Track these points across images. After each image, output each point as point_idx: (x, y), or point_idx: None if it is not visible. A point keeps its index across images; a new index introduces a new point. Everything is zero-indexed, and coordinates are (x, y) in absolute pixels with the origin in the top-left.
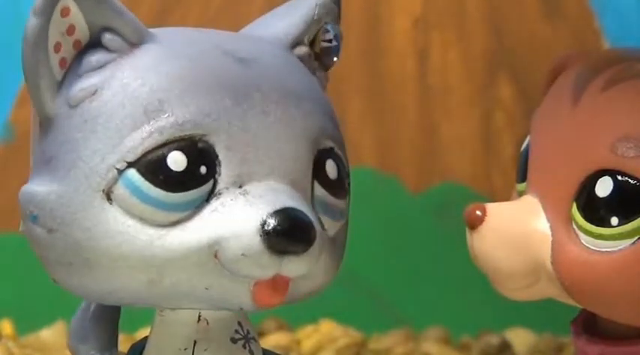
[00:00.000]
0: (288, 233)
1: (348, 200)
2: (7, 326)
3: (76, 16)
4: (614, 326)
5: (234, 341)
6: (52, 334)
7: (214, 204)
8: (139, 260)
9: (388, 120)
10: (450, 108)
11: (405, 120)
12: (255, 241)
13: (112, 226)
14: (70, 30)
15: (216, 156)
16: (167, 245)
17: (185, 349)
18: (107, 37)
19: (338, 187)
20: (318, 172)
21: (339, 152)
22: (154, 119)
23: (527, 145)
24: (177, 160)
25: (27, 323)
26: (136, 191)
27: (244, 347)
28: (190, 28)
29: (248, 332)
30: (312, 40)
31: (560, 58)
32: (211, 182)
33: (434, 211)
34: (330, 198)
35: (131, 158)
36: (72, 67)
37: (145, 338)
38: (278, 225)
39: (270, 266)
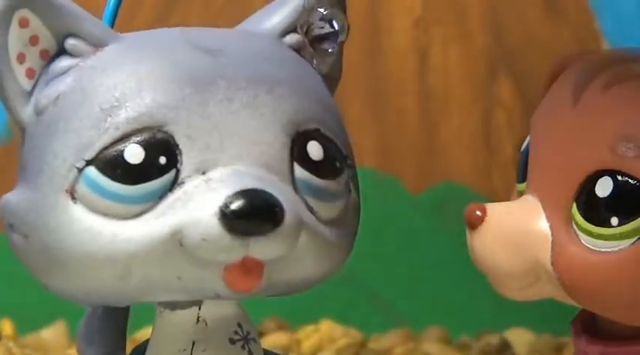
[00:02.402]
0: (247, 213)
1: (345, 180)
2: (7, 326)
3: (37, 26)
4: (614, 326)
5: (232, 342)
6: (52, 334)
7: (177, 192)
8: (104, 256)
9: (388, 120)
10: (450, 108)
11: (405, 120)
12: (213, 224)
13: (77, 225)
14: (34, 40)
15: (177, 146)
16: (130, 238)
17: (184, 350)
18: (70, 43)
19: (325, 168)
20: (299, 154)
21: (328, 133)
22: (110, 115)
23: (527, 145)
24: (134, 153)
25: (27, 323)
26: (96, 187)
27: (243, 347)
28: (163, 28)
29: (248, 333)
30: (308, 27)
31: (560, 58)
32: (173, 171)
33: (434, 211)
34: (316, 180)
35: (89, 156)
36: (41, 76)
37: (147, 341)
38: (237, 206)
39: (233, 249)
